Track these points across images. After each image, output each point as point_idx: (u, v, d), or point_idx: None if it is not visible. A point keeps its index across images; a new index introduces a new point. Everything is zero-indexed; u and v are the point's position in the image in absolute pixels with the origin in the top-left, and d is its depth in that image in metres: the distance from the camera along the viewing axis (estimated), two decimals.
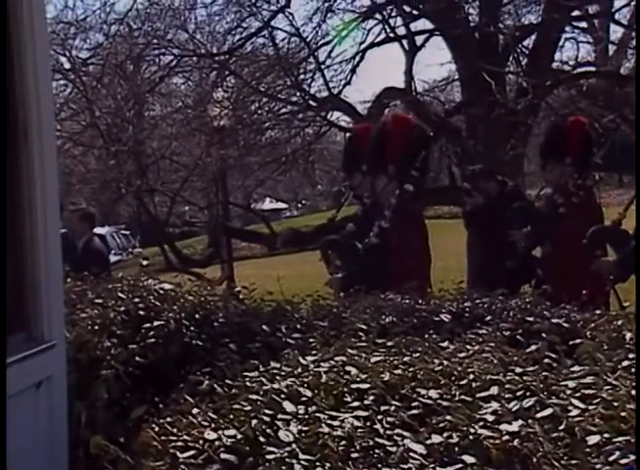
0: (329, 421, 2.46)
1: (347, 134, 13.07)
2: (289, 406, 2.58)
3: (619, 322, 3.47)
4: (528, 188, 14.03)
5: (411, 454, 2.25)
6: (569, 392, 2.59)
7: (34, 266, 3.16)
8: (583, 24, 16.98)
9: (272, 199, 39.79)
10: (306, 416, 2.53)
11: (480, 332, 3.54)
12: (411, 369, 2.87)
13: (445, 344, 3.35)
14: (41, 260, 3.16)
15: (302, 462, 2.28)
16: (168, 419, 2.75)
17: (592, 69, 16.79)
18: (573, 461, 2.21)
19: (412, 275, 5.61)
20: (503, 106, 13.71)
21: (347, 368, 2.90)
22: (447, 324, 3.84)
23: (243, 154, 17.08)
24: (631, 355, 2.87)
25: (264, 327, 3.82)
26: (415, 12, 16.11)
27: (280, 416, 2.52)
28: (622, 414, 2.34)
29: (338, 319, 3.97)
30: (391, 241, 6.40)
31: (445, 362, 2.96)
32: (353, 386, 2.74)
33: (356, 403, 2.62)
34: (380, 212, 6.55)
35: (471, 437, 2.28)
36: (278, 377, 2.94)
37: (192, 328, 3.83)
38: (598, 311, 3.83)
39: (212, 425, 2.59)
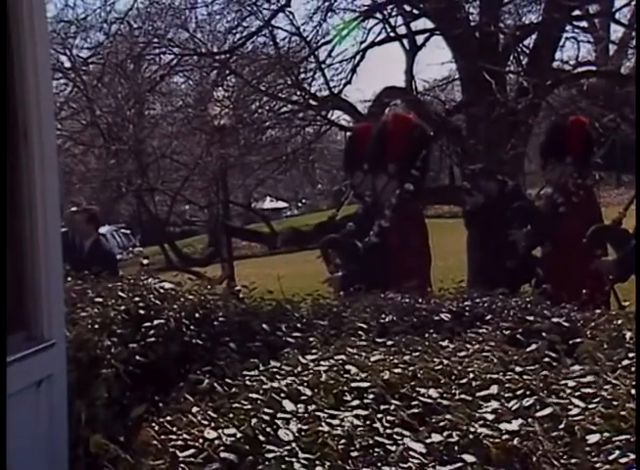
0: (329, 420, 2.46)
1: (348, 133, 13.08)
2: (288, 405, 2.58)
3: (619, 321, 3.47)
4: (529, 187, 14.05)
5: (411, 453, 2.26)
6: (569, 391, 2.59)
7: (34, 266, 3.16)
8: (584, 24, 16.99)
9: (272, 198, 39.78)
10: (306, 415, 2.53)
11: (480, 331, 3.54)
12: (411, 368, 2.87)
13: (445, 343, 3.35)
14: (41, 260, 3.16)
15: (302, 461, 2.28)
16: (168, 418, 2.75)
17: (592, 68, 16.81)
18: (573, 460, 2.21)
19: (412, 274, 5.60)
20: (503, 105, 13.73)
21: (347, 367, 2.90)
22: (447, 323, 3.84)
23: (243, 153, 17.10)
24: (631, 355, 2.87)
25: (264, 326, 3.82)
26: (415, 11, 16.14)
27: (280, 415, 2.52)
28: (622, 413, 2.34)
29: (338, 318, 3.97)
30: (392, 240, 6.39)
31: (445, 361, 2.96)
32: (353, 385, 2.74)
33: (356, 402, 2.62)
34: (380, 212, 6.55)
35: (471, 436, 2.28)
36: (278, 376, 2.94)
37: (192, 327, 3.83)
38: (598, 311, 3.83)
39: (212, 424, 2.59)
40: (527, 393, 2.60)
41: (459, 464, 2.19)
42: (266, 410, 2.55)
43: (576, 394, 2.55)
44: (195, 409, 2.76)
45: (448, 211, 21.36)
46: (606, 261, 6.29)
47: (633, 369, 2.70)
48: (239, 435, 2.46)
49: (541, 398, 2.52)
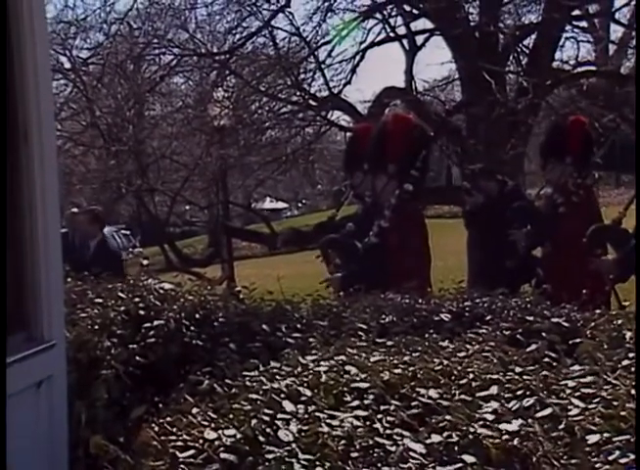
0: (328, 420, 2.46)
1: (348, 134, 13.09)
2: (288, 406, 2.58)
3: (619, 322, 3.47)
4: (529, 187, 14.05)
5: (411, 454, 2.25)
6: (568, 391, 2.59)
7: (34, 266, 3.16)
8: (583, 24, 17.00)
9: (272, 198, 39.77)
10: (306, 416, 2.53)
11: (480, 331, 3.54)
12: (411, 369, 2.87)
13: (445, 343, 3.35)
14: (41, 260, 3.16)
15: (302, 462, 2.28)
16: (168, 419, 2.75)
17: (592, 68, 16.81)
18: (573, 460, 2.21)
19: (412, 275, 5.61)
20: (503, 105, 13.74)
21: (347, 368, 2.90)
22: (447, 323, 3.84)
23: (243, 153, 17.11)
24: (631, 355, 2.87)
25: (264, 327, 3.82)
26: (415, 11, 16.15)
27: (280, 416, 2.52)
28: (622, 413, 2.34)
29: (337, 319, 3.97)
30: (391, 240, 6.39)
31: (445, 362, 2.96)
32: (353, 385, 2.74)
33: (356, 403, 2.62)
34: (380, 212, 6.55)
35: (470, 436, 2.28)
36: (278, 376, 2.94)
37: (192, 328, 3.82)
38: (598, 311, 3.82)
39: (212, 424, 2.59)
40: (527, 393, 2.60)
41: (459, 465, 2.19)
42: (266, 411, 2.55)
43: (576, 394, 2.55)
44: (195, 410, 2.76)
45: (448, 212, 21.35)
46: (606, 261, 6.29)
47: (633, 369, 2.69)
48: (239, 435, 2.46)
49: (541, 398, 2.52)
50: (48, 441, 3.14)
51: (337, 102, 16.36)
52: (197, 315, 3.93)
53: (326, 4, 16.38)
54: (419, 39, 16.58)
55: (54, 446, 3.16)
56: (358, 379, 2.78)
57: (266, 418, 2.51)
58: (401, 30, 16.67)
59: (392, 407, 2.56)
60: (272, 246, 18.75)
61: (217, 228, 21.26)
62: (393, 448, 2.31)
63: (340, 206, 7.86)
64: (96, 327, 3.78)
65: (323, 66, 16.35)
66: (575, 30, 16.62)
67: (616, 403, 2.40)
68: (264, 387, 2.80)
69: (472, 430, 2.30)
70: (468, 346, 3.27)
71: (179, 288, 4.31)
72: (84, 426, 3.32)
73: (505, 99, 14.10)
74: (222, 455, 2.40)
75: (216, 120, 16.55)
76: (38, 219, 3.15)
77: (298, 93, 16.51)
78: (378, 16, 16.57)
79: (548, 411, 2.41)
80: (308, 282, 6.35)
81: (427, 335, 3.57)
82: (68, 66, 17.87)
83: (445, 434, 2.33)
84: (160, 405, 3.08)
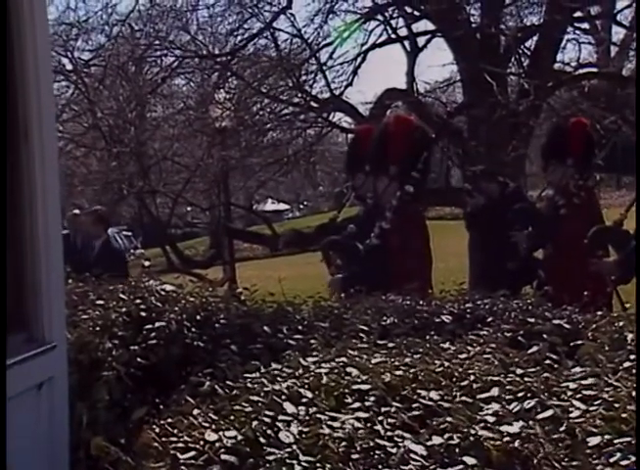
0: (329, 422, 2.46)
1: (349, 135, 13.10)
2: (289, 408, 2.58)
3: (621, 323, 3.47)
4: (530, 189, 14.05)
5: (412, 456, 2.25)
6: (570, 393, 2.58)
7: (35, 267, 3.16)
8: (585, 26, 16.99)
9: (274, 200, 39.78)
10: (307, 417, 2.53)
11: (482, 333, 3.53)
12: (412, 370, 2.86)
13: (446, 345, 3.34)
14: (42, 261, 3.16)
15: (303, 463, 2.27)
16: (169, 420, 2.75)
17: (594, 70, 16.80)
18: (574, 462, 2.20)
19: (413, 276, 5.60)
20: (505, 107, 13.74)
21: (348, 369, 2.89)
22: (448, 325, 3.84)
23: (244, 155, 17.11)
24: (633, 357, 2.87)
25: (265, 328, 3.81)
26: (416, 13, 16.14)
27: (281, 417, 2.52)
28: (623, 415, 2.34)
29: (339, 320, 3.96)
30: (392, 242, 6.39)
31: (446, 363, 2.95)
32: (354, 387, 2.73)
33: (357, 405, 2.61)
34: (381, 213, 6.55)
35: (471, 438, 2.28)
36: (279, 378, 2.94)
37: (193, 329, 3.82)
38: (599, 313, 3.82)
39: (213, 426, 2.59)
40: (528, 395, 2.59)
41: (460, 467, 2.19)
42: (267, 413, 2.55)
43: (577, 396, 2.54)
44: (196, 412, 2.76)
45: (450, 213, 21.35)
46: (607, 263, 6.29)
47: (634, 371, 2.69)
48: (240, 437, 2.46)
49: (542, 400, 2.51)
50: (49, 442, 3.14)
51: (338, 103, 16.36)
52: (198, 317, 3.93)
53: (327, 6, 16.41)
54: (420, 41, 16.59)
55: (54, 447, 3.16)
56: (359, 381, 2.78)
57: (267, 420, 2.51)
58: (403, 32, 16.68)
59: (393, 409, 2.56)
60: (274, 247, 18.78)
61: (219, 230, 21.27)
62: (394, 450, 2.30)
63: (341, 207, 7.86)
64: (97, 328, 3.78)
65: (324, 67, 16.36)
66: (577, 32, 16.62)
67: (617, 405, 2.40)
68: (265, 388, 2.80)
69: (473, 432, 2.29)
70: (469, 347, 3.27)
71: (180, 289, 4.31)
72: (85, 428, 3.31)
73: (506, 101, 14.10)
74: (223, 457, 2.40)
75: (218, 122, 16.56)
76: (39, 219, 3.15)
77: (300, 95, 16.52)
78: (379, 17, 16.58)
79: (549, 413, 2.41)
80: (310, 284, 6.36)
81: (428, 337, 3.56)
82: (69, 67, 17.90)
83: (446, 436, 2.33)
84: (161, 407, 3.08)
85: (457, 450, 2.26)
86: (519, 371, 2.84)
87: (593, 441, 2.25)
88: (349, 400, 2.66)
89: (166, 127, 18.93)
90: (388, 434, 2.41)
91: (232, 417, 2.62)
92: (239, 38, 16.94)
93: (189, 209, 25.99)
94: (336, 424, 2.44)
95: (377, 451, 2.32)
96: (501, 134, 13.90)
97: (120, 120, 17.49)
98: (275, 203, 40.79)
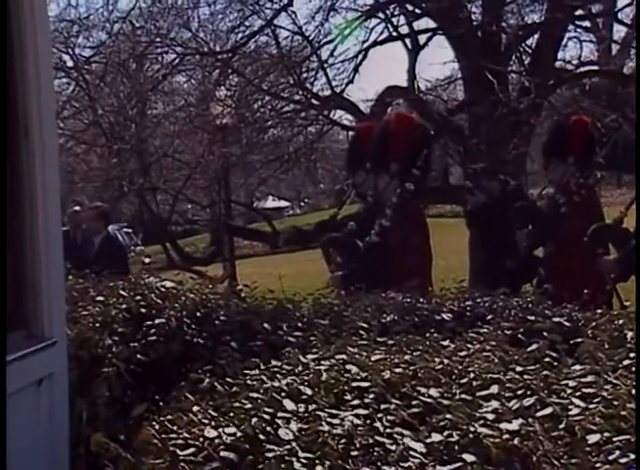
0: (329, 419, 2.46)
1: (350, 133, 13.09)
2: (289, 404, 2.58)
3: (621, 321, 3.47)
4: (531, 187, 14.05)
5: (411, 453, 2.25)
6: (569, 391, 2.59)
7: (35, 264, 3.16)
8: (586, 24, 16.96)
9: (274, 197, 39.76)
10: (306, 414, 2.53)
11: (481, 331, 3.53)
12: (412, 368, 2.86)
13: (446, 342, 3.35)
14: (42, 258, 3.16)
15: (302, 460, 2.28)
16: (169, 417, 2.75)
17: (595, 68, 16.78)
18: (573, 460, 2.21)
19: (413, 274, 5.60)
20: (506, 105, 13.72)
21: (348, 367, 2.90)
22: (448, 323, 3.84)
23: (245, 152, 17.10)
24: (632, 355, 2.87)
25: (265, 325, 3.82)
26: (418, 10, 16.13)
27: (280, 414, 2.52)
28: (623, 413, 2.34)
29: (339, 317, 3.97)
30: (392, 239, 6.39)
31: (446, 361, 2.96)
32: (354, 384, 2.74)
33: (356, 402, 2.62)
34: (381, 211, 6.55)
35: (471, 435, 2.28)
36: (278, 375, 2.94)
37: (193, 326, 3.83)
38: (599, 310, 3.82)
39: (213, 423, 2.59)
40: (528, 392, 2.59)
41: (459, 464, 2.19)
42: (267, 409, 2.55)
43: (577, 394, 2.55)
44: (195, 408, 2.76)
45: (450, 211, 21.36)
46: (607, 261, 6.29)
47: (634, 369, 2.69)
48: (239, 434, 2.46)
49: (542, 397, 2.52)
50: (48, 439, 3.14)
51: (339, 101, 16.34)
52: (198, 314, 3.93)
53: (328, 3, 16.38)
54: (421, 38, 16.56)
55: (54, 444, 3.17)
56: (359, 378, 2.78)
57: (267, 417, 2.51)
58: (404, 30, 16.65)
59: (393, 406, 2.56)
60: (274, 244, 18.77)
61: (219, 227, 21.25)
62: (394, 447, 2.31)
63: (342, 205, 7.86)
64: (97, 325, 3.79)
65: (325, 65, 16.34)
66: (578, 30, 16.58)
67: (616, 403, 2.40)
68: (265, 385, 2.80)
69: (472, 429, 2.30)
70: (469, 345, 3.27)
71: (181, 286, 4.31)
72: (85, 424, 3.32)
73: (507, 99, 14.08)
74: (222, 454, 2.40)
75: (219, 119, 16.54)
76: (39, 216, 3.16)
77: (301, 92, 16.50)
78: (380, 15, 16.56)
79: (548, 411, 2.41)
80: (310, 281, 6.36)
81: (428, 334, 3.57)
82: (70, 64, 17.87)
83: (446, 433, 2.33)
84: (161, 403, 3.08)
85: (456, 448, 2.27)
86: (518, 369, 2.84)
87: (592, 438, 2.25)
88: (349, 398, 2.67)
89: (167, 124, 18.91)
90: (388, 431, 2.41)
91: (231, 414, 2.62)
92: (240, 35, 16.93)
93: (189, 206, 25.98)
94: (335, 421, 2.45)
95: (376, 448, 2.33)
96: (502, 132, 13.89)
97: (121, 117, 17.48)
98: (276, 200, 40.77)
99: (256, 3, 16.50)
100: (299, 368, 2.98)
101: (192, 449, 2.47)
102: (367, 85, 29.24)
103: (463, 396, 2.61)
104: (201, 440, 2.49)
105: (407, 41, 16.55)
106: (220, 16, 17.44)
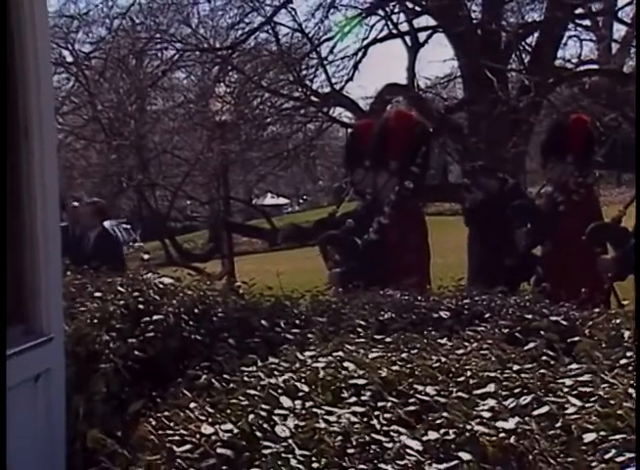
0: (326, 416, 2.46)
1: (349, 130, 13.08)
2: (286, 401, 2.58)
3: (618, 320, 3.47)
4: (530, 186, 14.05)
5: (407, 450, 2.25)
6: (566, 389, 2.59)
7: (33, 260, 3.16)
8: (586, 22, 16.96)
9: (273, 194, 39.82)
10: (303, 411, 2.53)
11: (479, 329, 3.53)
12: (409, 366, 2.87)
13: (444, 340, 3.35)
14: (40, 254, 3.16)
15: (299, 457, 2.28)
16: (166, 413, 2.76)
17: (595, 67, 16.78)
18: (570, 459, 2.21)
19: (411, 272, 5.60)
20: (505, 103, 13.72)
21: (345, 364, 2.90)
22: (446, 321, 3.84)
23: (244, 149, 17.10)
24: (629, 354, 2.87)
25: (263, 322, 3.82)
26: (418, 8, 16.12)
27: (277, 411, 2.53)
28: (619, 412, 2.34)
29: (336, 315, 3.97)
30: (391, 237, 6.39)
31: (443, 359, 2.96)
32: (351, 382, 2.74)
33: (353, 399, 2.62)
34: (380, 209, 6.55)
35: (467, 433, 2.28)
36: (276, 372, 2.94)
37: (191, 323, 3.83)
38: (597, 309, 3.82)
39: (209, 419, 2.60)
40: (525, 391, 2.60)
41: (455, 462, 2.19)
42: (264, 406, 2.55)
43: (574, 392, 2.55)
44: (192, 405, 2.77)
45: (449, 209, 21.36)
46: (605, 260, 6.29)
47: (631, 368, 2.70)
48: (236, 431, 2.46)
49: (538, 396, 2.52)
50: (45, 435, 3.14)
51: (339, 98, 16.35)
52: (196, 310, 3.93)
53: (328, 0, 16.39)
54: (421, 36, 16.57)
55: (51, 440, 3.17)
56: (356, 375, 2.78)
57: (263, 413, 2.51)
58: (404, 27, 16.65)
59: (390, 404, 2.56)
60: (273, 241, 18.77)
61: (218, 223, 21.27)
62: (390, 445, 2.31)
63: (340, 202, 7.86)
64: (95, 321, 3.78)
65: (325, 62, 16.35)
66: (578, 29, 16.58)
67: (613, 402, 2.41)
68: (262, 382, 2.81)
69: (469, 427, 2.30)
70: (466, 343, 3.27)
71: (179, 283, 4.31)
72: (82, 420, 3.32)
73: (507, 97, 14.08)
74: (219, 450, 2.41)
75: (218, 116, 16.53)
76: (38, 214, 3.16)
77: (300, 89, 16.50)
78: (380, 12, 16.56)
79: (545, 409, 2.41)
80: (308, 278, 6.35)
81: (425, 332, 3.57)
82: (70, 59, 17.89)
83: (442, 431, 2.33)
84: (158, 400, 3.08)
85: (453, 446, 2.27)
86: (515, 367, 2.84)
87: (589, 437, 2.26)
88: (346, 395, 2.67)
89: (166, 120, 18.92)
90: (384, 429, 2.41)
91: (228, 411, 2.63)
92: (240, 32, 16.94)
93: (188, 202, 26.02)
94: (332, 418, 2.45)
95: (373, 446, 2.33)
96: (501, 130, 13.89)
97: (120, 113, 17.48)
98: (274, 197, 40.81)
99: (256, 0, 16.50)
100: (297, 365, 2.98)
101: (188, 446, 2.47)
102: (366, 83, 29.23)
103: (460, 394, 2.61)
104: (197, 436, 2.50)
105: (407, 39, 16.56)
106: (220, 12, 17.47)
